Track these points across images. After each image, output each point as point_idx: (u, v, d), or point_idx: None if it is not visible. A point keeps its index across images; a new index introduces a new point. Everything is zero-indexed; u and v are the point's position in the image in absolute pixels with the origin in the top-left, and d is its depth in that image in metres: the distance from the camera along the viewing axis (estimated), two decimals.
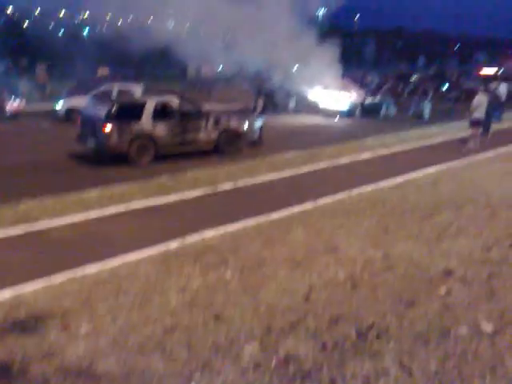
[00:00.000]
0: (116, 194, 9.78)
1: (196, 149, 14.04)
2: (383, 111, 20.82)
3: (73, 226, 8.02)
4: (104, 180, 10.98)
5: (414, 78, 29.23)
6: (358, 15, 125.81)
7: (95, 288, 5.72)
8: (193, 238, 7.50)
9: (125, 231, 7.90)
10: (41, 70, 26.92)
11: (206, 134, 14.17)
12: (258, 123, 16.36)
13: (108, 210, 8.81)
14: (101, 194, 9.70)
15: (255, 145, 16.09)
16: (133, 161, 12.80)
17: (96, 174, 12.02)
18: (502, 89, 22.10)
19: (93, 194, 9.73)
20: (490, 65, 54.82)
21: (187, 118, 13.88)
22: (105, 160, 12.94)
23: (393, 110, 20.88)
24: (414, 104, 24.14)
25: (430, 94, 21.92)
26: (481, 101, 15.90)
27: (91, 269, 6.28)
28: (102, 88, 19.23)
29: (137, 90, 19.11)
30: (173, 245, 7.15)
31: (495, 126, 19.82)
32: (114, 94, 18.68)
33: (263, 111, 16.63)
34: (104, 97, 16.57)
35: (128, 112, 12.95)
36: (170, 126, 13.46)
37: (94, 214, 8.55)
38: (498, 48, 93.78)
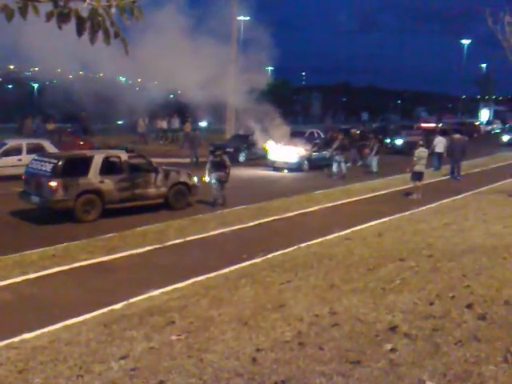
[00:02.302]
0: (59, 252, 9.46)
1: (145, 203, 13.85)
2: (335, 167, 20.86)
3: (10, 288, 7.64)
4: (47, 238, 10.63)
5: (358, 131, 30.16)
6: (304, 72, 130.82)
7: (32, 355, 5.40)
8: (138, 298, 7.27)
9: (66, 293, 7.58)
10: None
11: (156, 188, 14.04)
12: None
13: (49, 270, 8.47)
14: (43, 254, 9.34)
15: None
16: (79, 217, 12.45)
17: (39, 232, 11.61)
18: (437, 142, 23.15)
19: (34, 253, 9.36)
20: (430, 119, 57.69)
21: (136, 173, 13.75)
22: (49, 217, 12.55)
23: (344, 167, 20.98)
24: (360, 157, 24.87)
25: (376, 148, 22.51)
26: (421, 154, 16.54)
27: (29, 335, 5.95)
28: (8, 144, 18.37)
29: (46, 145, 18.64)
30: (117, 306, 6.90)
31: (438, 179, 20.63)
32: (24, 149, 18.10)
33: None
34: (13, 152, 17.26)
35: (75, 167, 12.72)
36: (119, 180, 13.26)
37: (34, 274, 8.20)
38: (438, 102, 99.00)
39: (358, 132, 30.49)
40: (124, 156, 13.66)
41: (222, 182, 14.91)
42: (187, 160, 23.66)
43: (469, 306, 6.49)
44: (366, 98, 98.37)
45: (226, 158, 15.35)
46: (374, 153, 22.40)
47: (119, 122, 38.57)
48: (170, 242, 10.49)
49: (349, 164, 25.43)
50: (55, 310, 6.82)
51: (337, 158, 21.19)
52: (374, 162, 22.42)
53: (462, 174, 21.05)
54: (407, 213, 13.83)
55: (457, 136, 22.23)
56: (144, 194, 13.77)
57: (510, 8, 15.34)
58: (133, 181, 13.54)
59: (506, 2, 16.25)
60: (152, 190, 13.95)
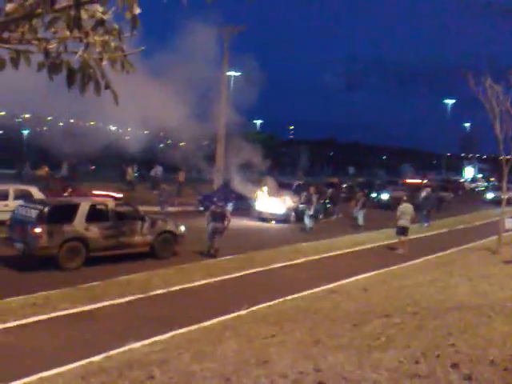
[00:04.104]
0: (40, 301, 9.21)
1: (131, 252, 13.67)
2: (307, 220, 20.68)
3: None
4: (29, 286, 10.38)
5: (344, 185, 30.47)
6: (293, 126, 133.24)
7: None
8: (118, 350, 7.05)
9: (45, 343, 7.34)
10: None
11: (142, 236, 13.89)
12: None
13: (29, 318, 8.23)
14: (23, 302, 9.10)
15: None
16: (62, 265, 12.21)
17: (21, 279, 11.34)
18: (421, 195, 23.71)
19: (15, 301, 9.11)
20: (415, 175, 58.56)
21: (122, 221, 13.63)
22: (33, 264, 12.30)
23: (308, 221, 20.74)
24: (347, 210, 24.99)
25: (362, 202, 22.63)
26: (405, 209, 16.67)
27: None
28: None
29: (34, 191, 18.51)
30: (96, 358, 6.67)
31: (425, 232, 20.72)
32: (11, 194, 17.96)
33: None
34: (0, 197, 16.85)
35: (60, 214, 12.59)
36: (104, 228, 13.12)
37: (13, 323, 7.95)
38: (423, 159, 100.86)
39: (345, 185, 30.77)
40: (111, 203, 13.59)
41: (217, 232, 14.83)
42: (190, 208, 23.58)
43: (454, 366, 6.36)
44: (352, 154, 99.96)
45: (226, 210, 15.38)
46: (360, 206, 22.51)
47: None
48: (154, 292, 10.30)
49: (336, 216, 25.55)
50: (32, 361, 6.57)
51: (306, 211, 21.11)
52: (360, 215, 22.51)
53: (445, 229, 21.25)
54: (393, 268, 13.77)
55: (428, 190, 24.71)
56: (129, 242, 13.61)
57: (491, 71, 15.90)
58: (119, 228, 13.41)
59: (488, 65, 16.87)
60: (138, 238, 13.80)
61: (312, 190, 22.96)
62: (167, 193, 24.21)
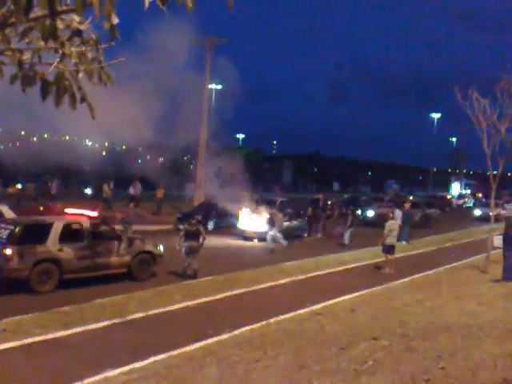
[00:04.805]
0: (11, 327, 8.99)
1: (107, 273, 13.46)
2: (270, 241, 20.30)
3: None
4: None
5: (329, 202, 30.45)
6: (275, 141, 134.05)
7: None
8: (94, 379, 6.89)
9: (16, 371, 7.15)
10: None
11: (119, 257, 13.70)
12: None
13: None
14: None
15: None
16: (34, 288, 11.94)
17: None
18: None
19: None
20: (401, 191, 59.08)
21: (98, 240, 13.45)
22: (2, 287, 12.03)
23: (271, 242, 20.27)
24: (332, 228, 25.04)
25: (350, 220, 22.56)
26: (392, 226, 16.74)
27: None
28: None
29: (4, 210, 18.23)
30: None
31: (411, 251, 20.82)
32: None
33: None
34: None
35: (32, 234, 12.37)
36: (79, 248, 12.90)
37: None
38: (408, 175, 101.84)
39: (330, 202, 30.81)
40: (86, 222, 13.39)
41: (193, 252, 14.72)
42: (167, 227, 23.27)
43: None
44: (337, 169, 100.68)
45: (201, 227, 15.27)
46: (348, 225, 22.42)
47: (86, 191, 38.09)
48: (131, 316, 10.13)
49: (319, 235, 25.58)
50: None
51: (270, 232, 20.60)
52: (346, 234, 22.47)
53: (432, 247, 21.36)
54: (380, 287, 13.78)
55: (407, 205, 24.85)
56: (105, 263, 13.40)
57: (478, 85, 16.14)
58: (94, 249, 13.20)
59: (475, 79, 17.15)
60: (114, 259, 13.61)
61: (272, 208, 22.51)
62: (133, 215, 22.90)
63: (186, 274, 14.55)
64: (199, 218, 23.48)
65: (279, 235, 20.82)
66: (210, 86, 33.64)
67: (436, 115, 73.31)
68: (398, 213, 23.76)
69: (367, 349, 8.19)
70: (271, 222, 20.95)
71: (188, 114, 20.67)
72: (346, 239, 22.35)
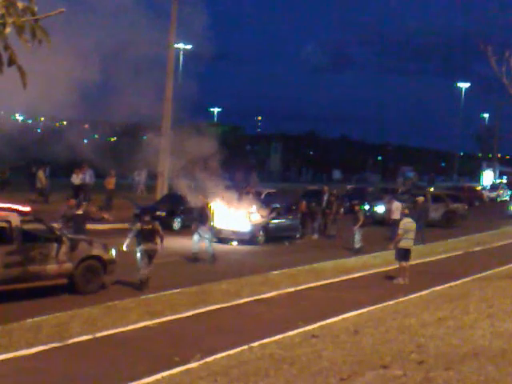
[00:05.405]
0: None
1: (42, 284, 13.44)
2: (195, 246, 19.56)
3: None
4: None
5: (327, 196, 30.45)
6: (260, 117, 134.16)
7: None
8: None
9: None
10: None
11: (58, 264, 13.65)
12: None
13: None
14: None
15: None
16: None
17: None
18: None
19: None
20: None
21: (31, 243, 13.38)
22: None
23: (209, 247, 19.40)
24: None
25: (361, 218, 22.31)
26: (407, 226, 16.72)
27: None
28: None
29: None
30: None
31: (431, 256, 20.99)
32: None
33: None
34: None
35: None
36: (6, 253, 12.83)
37: None
38: (428, 160, 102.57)
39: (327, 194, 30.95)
40: (15, 220, 13.26)
41: (151, 256, 14.77)
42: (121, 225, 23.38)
43: None
44: (339, 153, 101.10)
45: (159, 225, 15.30)
46: (358, 225, 22.23)
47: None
48: (74, 339, 10.14)
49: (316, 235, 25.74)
50: None
51: (200, 231, 19.56)
52: (357, 235, 22.27)
53: (458, 252, 21.56)
54: (391, 302, 13.91)
55: (421, 199, 25.04)
56: (41, 271, 13.36)
57: None
58: (25, 253, 13.14)
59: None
60: (52, 267, 13.55)
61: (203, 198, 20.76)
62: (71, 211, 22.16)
63: (143, 284, 14.58)
64: (162, 213, 23.53)
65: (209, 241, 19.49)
66: (177, 46, 33.40)
67: (464, 85, 73.34)
68: (397, 205, 23.97)
69: (375, 380, 8.27)
70: (201, 217, 20.06)
71: (148, 82, 20.52)
72: (357, 242, 22.22)
